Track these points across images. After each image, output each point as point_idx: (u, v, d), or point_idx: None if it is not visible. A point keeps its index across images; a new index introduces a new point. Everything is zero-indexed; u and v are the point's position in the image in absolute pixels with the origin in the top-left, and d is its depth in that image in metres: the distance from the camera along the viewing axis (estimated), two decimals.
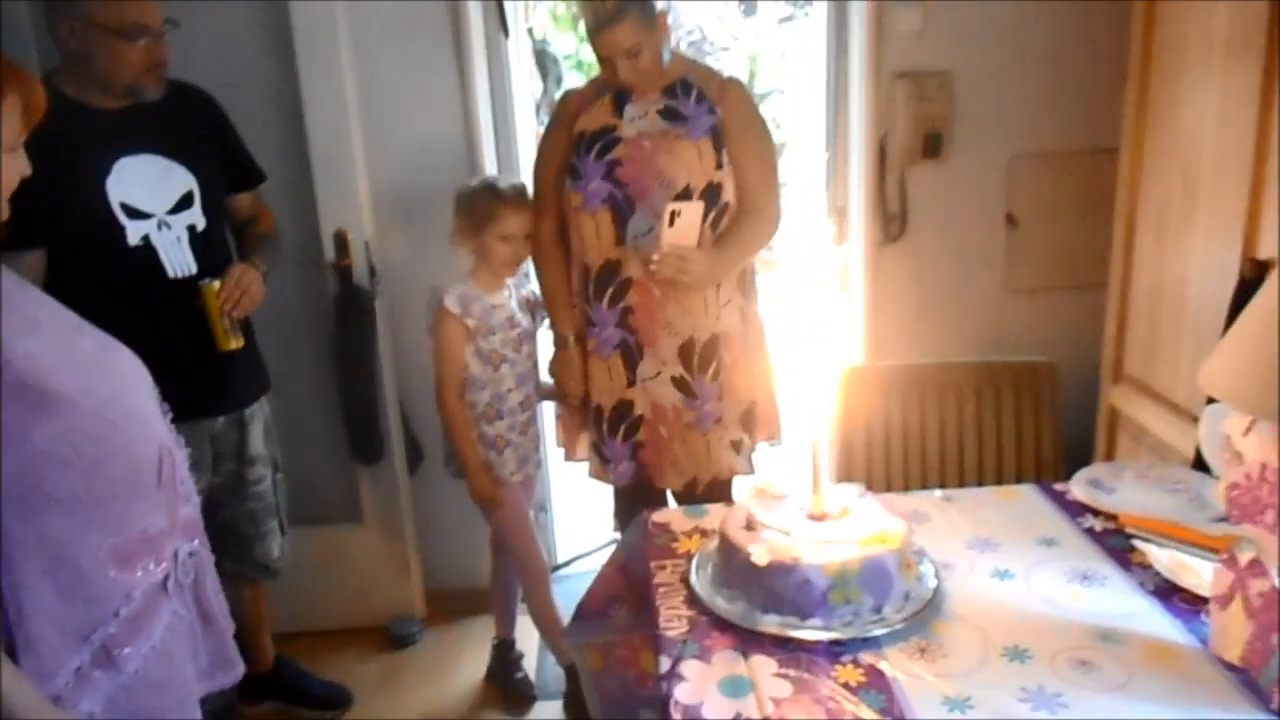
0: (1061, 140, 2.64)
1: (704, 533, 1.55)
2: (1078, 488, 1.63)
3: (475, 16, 2.54)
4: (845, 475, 2.07)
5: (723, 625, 1.29)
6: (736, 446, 2.25)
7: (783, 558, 1.27)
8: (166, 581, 1.25)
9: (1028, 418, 2.08)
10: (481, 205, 2.21)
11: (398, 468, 2.72)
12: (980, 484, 1.97)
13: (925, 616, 1.28)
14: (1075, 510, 1.58)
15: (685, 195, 2.06)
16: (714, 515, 1.61)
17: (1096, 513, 1.56)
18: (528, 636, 2.61)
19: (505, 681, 2.55)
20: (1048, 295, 2.74)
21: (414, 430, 2.73)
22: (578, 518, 3.24)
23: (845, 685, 1.16)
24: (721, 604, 1.31)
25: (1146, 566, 1.38)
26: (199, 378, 1.98)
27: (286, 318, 2.54)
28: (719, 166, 2.10)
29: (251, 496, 2.20)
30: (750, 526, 1.36)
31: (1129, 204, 2.34)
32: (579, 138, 2.13)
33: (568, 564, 3.13)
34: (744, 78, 2.60)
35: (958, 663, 1.19)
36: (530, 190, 2.26)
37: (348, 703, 2.52)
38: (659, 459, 2.23)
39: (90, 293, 1.59)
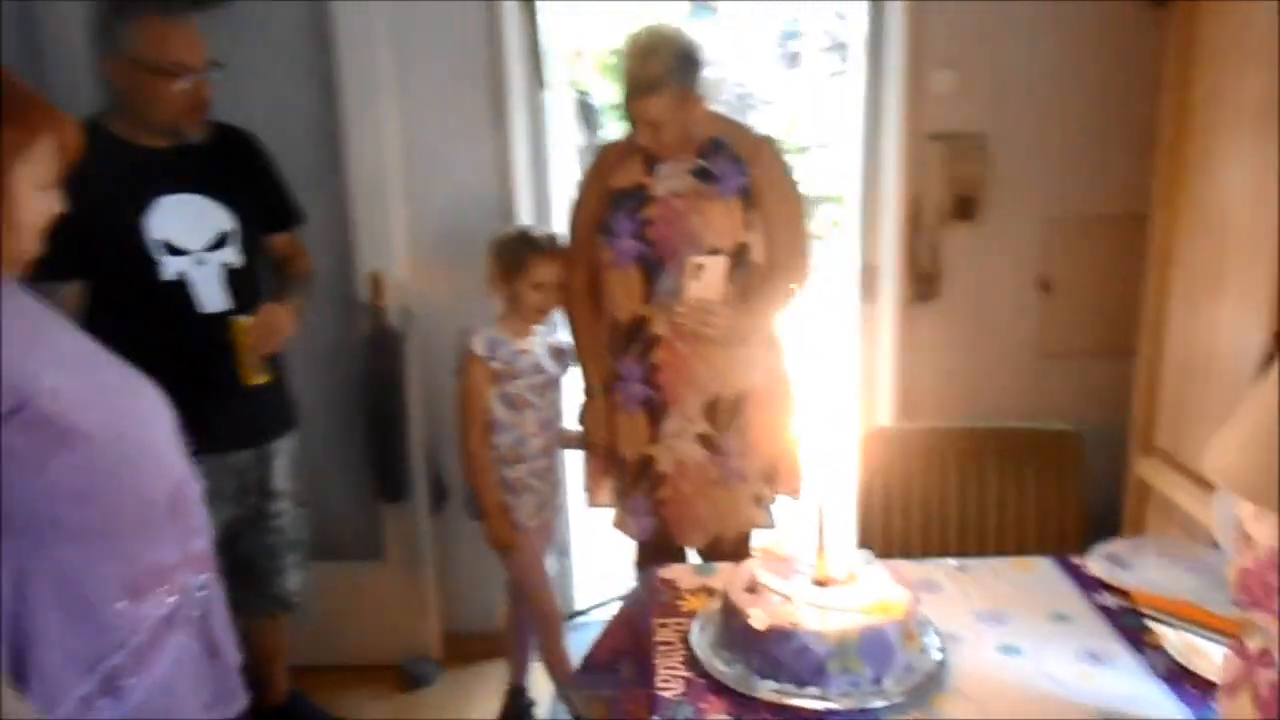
0: (1095, 204, 2.62)
1: (710, 591, 1.53)
2: (1095, 563, 1.60)
3: (515, 69, 2.60)
4: (865, 537, 2.05)
5: (719, 689, 1.28)
6: (758, 500, 2.24)
7: (782, 623, 1.26)
8: (175, 614, 1.28)
9: (1051, 487, 2.05)
10: (515, 253, 2.25)
11: (421, 507, 2.74)
12: (1001, 552, 1.94)
13: (926, 690, 1.25)
14: (1091, 585, 1.55)
15: (713, 255, 2.07)
16: (722, 574, 1.60)
17: (1113, 589, 1.53)
18: (541, 684, 2.60)
19: None
20: (1080, 360, 2.71)
21: (440, 470, 2.76)
22: (600, 565, 3.23)
23: None
24: (719, 666, 1.30)
25: (1158, 648, 1.35)
26: (225, 411, 2.01)
27: (319, 355, 2.59)
28: (748, 226, 2.12)
29: (271, 530, 2.23)
30: (753, 589, 1.35)
31: (1160, 270, 2.31)
32: (611, 194, 2.16)
33: (586, 612, 3.11)
34: (784, 132, 2.59)
35: None
36: (564, 239, 2.30)
37: None
38: (681, 516, 2.22)
39: (123, 324, 1.64)
